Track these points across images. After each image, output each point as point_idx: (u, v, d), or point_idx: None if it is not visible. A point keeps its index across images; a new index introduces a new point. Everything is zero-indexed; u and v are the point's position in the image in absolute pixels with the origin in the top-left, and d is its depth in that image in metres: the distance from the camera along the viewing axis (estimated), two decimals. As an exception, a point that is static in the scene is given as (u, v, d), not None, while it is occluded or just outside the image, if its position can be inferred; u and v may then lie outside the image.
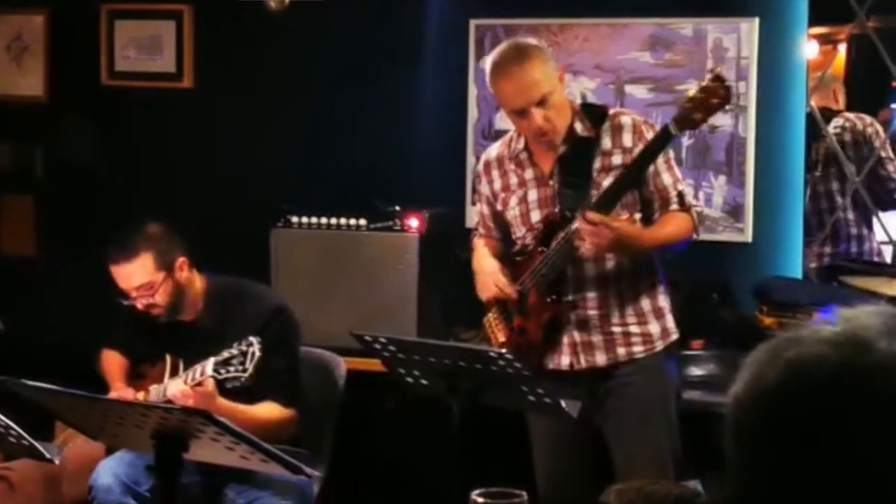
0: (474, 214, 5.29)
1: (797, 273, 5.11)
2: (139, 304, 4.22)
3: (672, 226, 3.89)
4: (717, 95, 3.69)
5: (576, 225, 3.75)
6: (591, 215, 3.69)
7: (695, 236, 3.95)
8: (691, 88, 3.76)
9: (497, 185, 4.09)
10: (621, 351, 3.93)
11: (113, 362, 4.46)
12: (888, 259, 5.55)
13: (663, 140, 3.78)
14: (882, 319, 1.23)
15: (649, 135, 3.86)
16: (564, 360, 3.95)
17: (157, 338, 4.32)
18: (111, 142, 5.95)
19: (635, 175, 3.81)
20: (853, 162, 5.42)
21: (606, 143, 3.90)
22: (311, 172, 5.54)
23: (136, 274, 4.17)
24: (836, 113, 5.51)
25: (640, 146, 3.83)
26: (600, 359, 3.93)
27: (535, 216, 3.98)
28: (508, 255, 4.08)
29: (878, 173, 5.41)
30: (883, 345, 1.19)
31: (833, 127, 5.46)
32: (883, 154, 5.42)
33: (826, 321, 1.24)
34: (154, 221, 4.29)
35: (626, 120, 3.93)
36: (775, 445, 1.21)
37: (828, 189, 5.45)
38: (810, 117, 5.16)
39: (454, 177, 5.44)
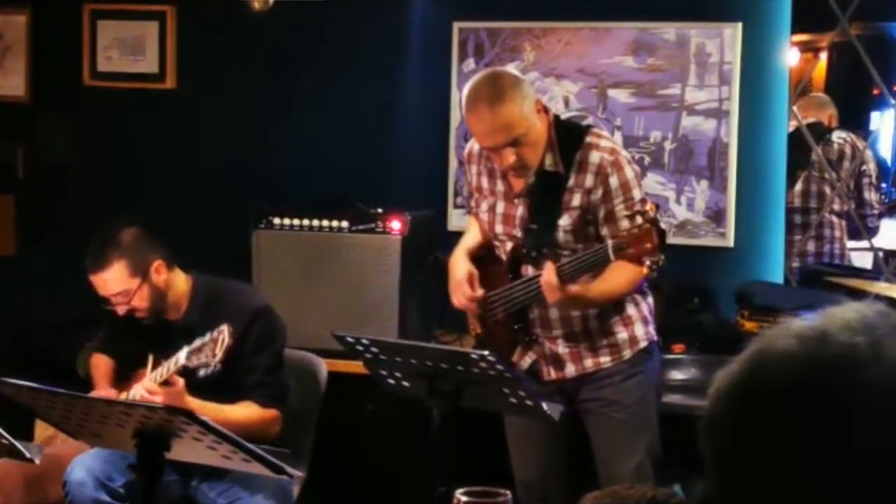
0: (455, 217, 5.33)
1: (779, 278, 5.13)
2: (119, 310, 4.22)
3: (620, 280, 3.78)
4: (650, 241, 3.48)
5: (542, 277, 3.69)
6: (552, 279, 3.64)
7: (646, 283, 3.89)
8: (637, 218, 3.55)
9: (474, 181, 4.08)
10: (588, 363, 3.93)
11: (100, 365, 4.46)
12: (860, 264, 5.61)
13: (601, 260, 3.63)
14: (861, 314, 1.20)
15: (613, 178, 3.75)
16: (533, 364, 3.96)
17: (141, 339, 4.31)
18: (93, 142, 5.93)
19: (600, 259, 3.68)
20: (848, 174, 5.51)
21: (571, 180, 3.82)
22: (294, 174, 5.52)
23: (111, 282, 4.17)
24: (829, 129, 5.56)
25: (601, 189, 3.76)
26: (569, 371, 3.94)
27: (499, 229, 3.98)
28: (486, 256, 4.07)
29: (862, 198, 5.48)
30: (841, 338, 1.17)
31: (837, 138, 5.53)
32: (870, 180, 5.52)
33: (808, 315, 1.23)
34: (127, 226, 4.26)
35: (594, 157, 3.80)
36: (738, 439, 1.20)
37: (820, 190, 5.49)
38: (799, 133, 5.22)
39: (437, 179, 5.44)
